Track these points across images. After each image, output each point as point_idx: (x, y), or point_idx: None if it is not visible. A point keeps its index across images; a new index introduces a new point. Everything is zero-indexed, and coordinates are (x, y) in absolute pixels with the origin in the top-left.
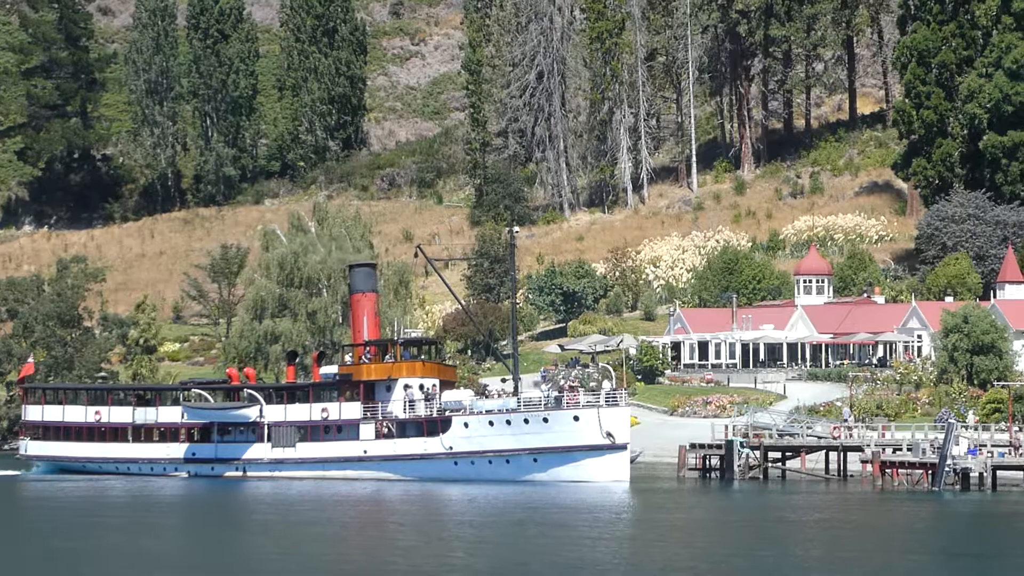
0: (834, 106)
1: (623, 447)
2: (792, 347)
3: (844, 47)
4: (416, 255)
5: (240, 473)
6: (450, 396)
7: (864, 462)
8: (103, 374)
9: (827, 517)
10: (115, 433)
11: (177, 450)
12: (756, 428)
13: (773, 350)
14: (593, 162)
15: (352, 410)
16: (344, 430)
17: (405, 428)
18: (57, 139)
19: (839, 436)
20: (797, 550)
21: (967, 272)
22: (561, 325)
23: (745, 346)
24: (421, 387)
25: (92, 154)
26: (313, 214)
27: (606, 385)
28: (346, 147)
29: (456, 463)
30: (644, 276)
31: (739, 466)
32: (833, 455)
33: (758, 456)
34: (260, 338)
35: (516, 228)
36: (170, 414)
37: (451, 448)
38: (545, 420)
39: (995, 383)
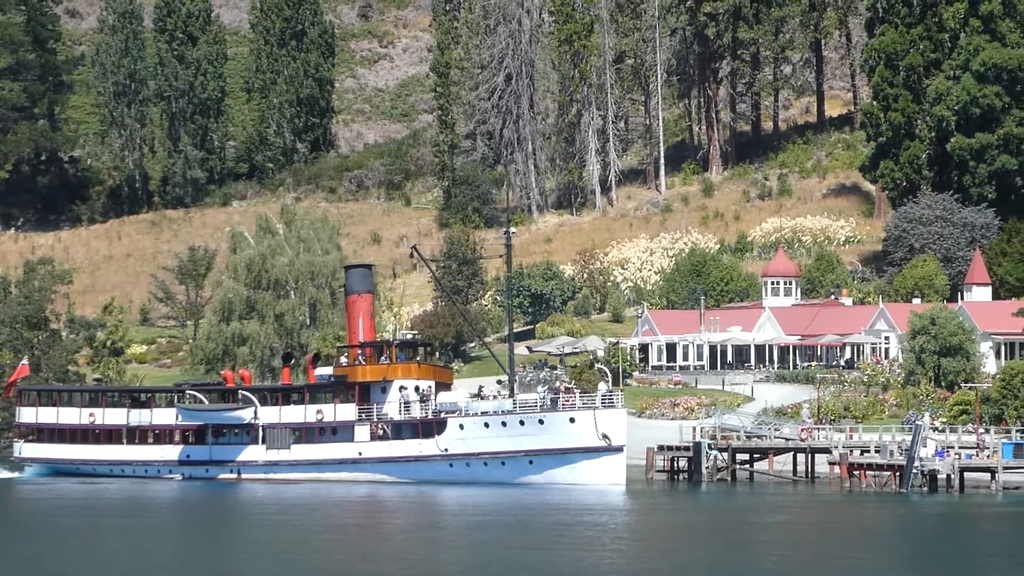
0: (802, 108)
1: (619, 449)
2: (760, 349)
3: (812, 50)
4: (411, 255)
5: (235, 475)
6: (445, 398)
7: (832, 464)
8: (97, 376)
9: (793, 519)
10: (109, 435)
11: (172, 452)
12: (724, 430)
13: (741, 352)
14: (561, 164)
15: (347, 412)
16: (339, 432)
17: (400, 430)
18: (24, 141)
19: (807, 438)
20: (762, 553)
21: (934, 274)
22: (529, 327)
23: (713, 348)
24: (417, 388)
25: (59, 156)
26: (281, 216)
27: (602, 387)
28: (314, 149)
29: (451, 465)
30: (612, 278)
31: (707, 468)
32: (801, 457)
33: (726, 458)
34: (228, 340)
35: (512, 228)
36: (164, 416)
37: (446, 450)
38: (541, 422)
39: (962, 385)
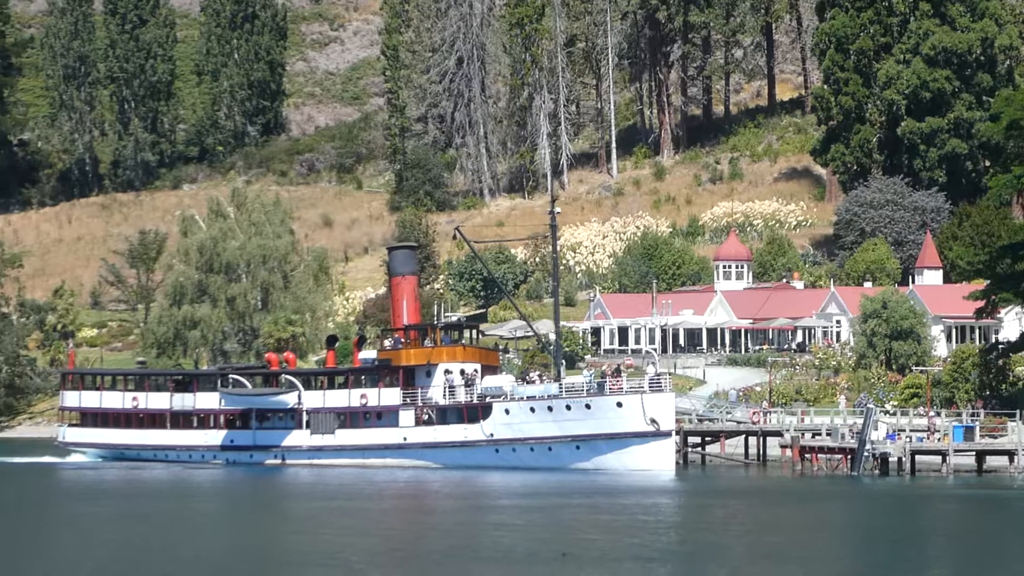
0: (753, 92)
1: (667, 434)
2: (712, 332)
3: (763, 33)
4: (455, 236)
5: (279, 461)
6: (491, 381)
7: (783, 447)
8: (141, 359)
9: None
10: (153, 419)
11: (215, 437)
12: (676, 413)
13: (693, 335)
14: (513, 148)
15: (391, 396)
16: (383, 416)
17: (445, 414)
18: None
19: (758, 421)
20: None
21: (886, 258)
22: (481, 311)
23: (665, 331)
24: (462, 372)
25: (9, 139)
26: (232, 199)
27: (650, 370)
28: (265, 132)
29: (497, 450)
30: (564, 262)
31: None
32: (753, 440)
33: (678, 441)
34: (179, 324)
35: (558, 209)
36: (208, 400)
37: (492, 435)
38: (587, 406)
39: (913, 368)
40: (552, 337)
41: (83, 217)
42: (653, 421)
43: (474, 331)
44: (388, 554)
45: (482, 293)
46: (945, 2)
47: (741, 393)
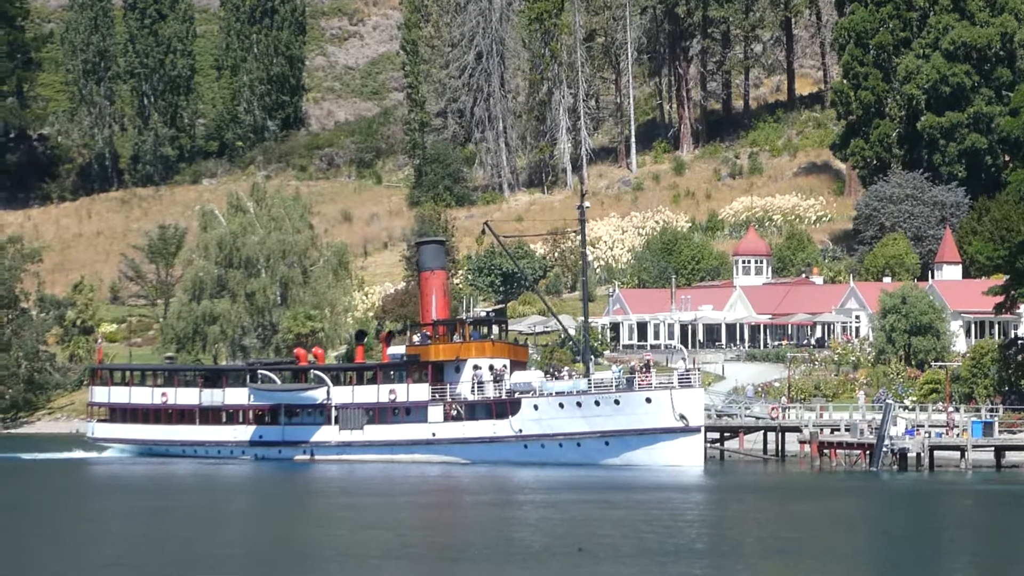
0: (772, 87)
1: (697, 430)
2: (731, 328)
3: (782, 28)
4: (484, 231)
5: (308, 456)
6: (519, 377)
7: (802, 443)
8: (170, 355)
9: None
10: (182, 415)
11: (244, 432)
12: None
13: (712, 331)
14: (532, 143)
15: (420, 392)
16: (412, 412)
17: (474, 410)
18: None
19: (777, 416)
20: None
21: (905, 253)
22: (500, 306)
23: (684, 327)
24: (491, 368)
25: (28, 134)
26: (251, 194)
27: (680, 365)
28: (285, 127)
29: (526, 446)
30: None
31: None
32: (772, 435)
33: None
34: (198, 319)
35: (587, 204)
36: (237, 396)
37: (520, 431)
38: (616, 402)
39: (932, 364)
40: (572, 333)
41: (103, 212)
42: (682, 417)
43: (503, 326)
44: (399, 550)
45: (501, 288)
46: None
47: (759, 389)
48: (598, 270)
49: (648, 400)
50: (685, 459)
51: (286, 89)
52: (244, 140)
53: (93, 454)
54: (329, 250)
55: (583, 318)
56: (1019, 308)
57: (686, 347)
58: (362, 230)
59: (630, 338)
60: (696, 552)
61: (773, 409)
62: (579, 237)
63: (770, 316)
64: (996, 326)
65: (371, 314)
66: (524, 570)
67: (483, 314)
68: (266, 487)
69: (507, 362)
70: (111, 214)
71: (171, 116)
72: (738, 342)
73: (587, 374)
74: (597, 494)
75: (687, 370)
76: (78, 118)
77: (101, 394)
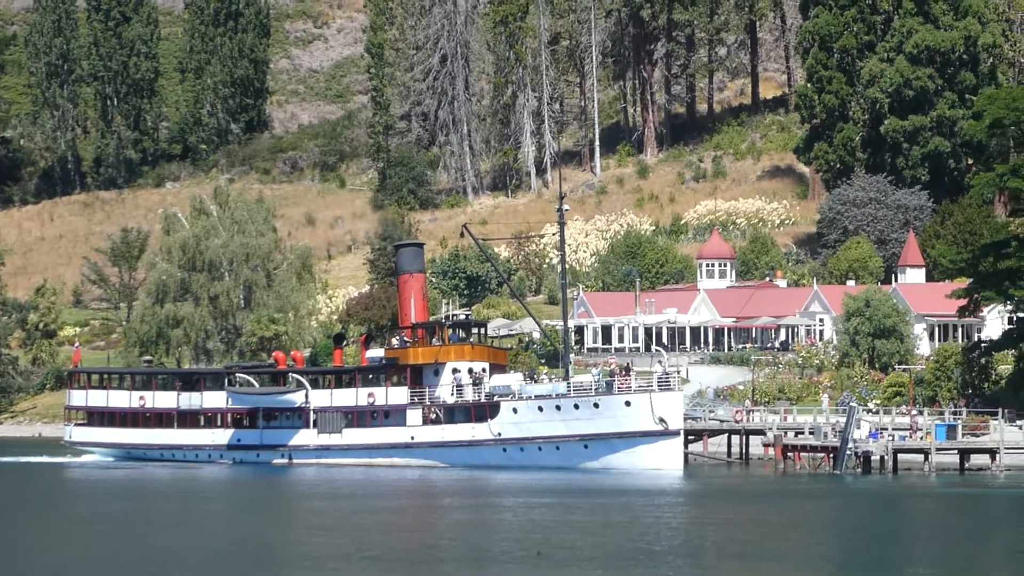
0: (737, 90)
1: (676, 433)
2: (695, 331)
3: (747, 31)
4: (462, 235)
5: (286, 460)
6: (498, 380)
7: (766, 445)
8: (148, 358)
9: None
10: (160, 418)
11: (222, 436)
12: None
13: (676, 334)
14: (496, 146)
15: (399, 395)
16: (391, 416)
17: (453, 414)
18: None
19: (741, 420)
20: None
21: (868, 256)
22: (467, 310)
23: (648, 330)
24: (470, 371)
25: None
26: (215, 197)
27: (658, 368)
28: (248, 130)
29: (505, 450)
30: (547, 260)
31: None
32: (736, 438)
33: None
34: (161, 322)
35: (566, 207)
36: (215, 399)
37: (499, 434)
38: (596, 405)
39: (896, 367)
40: (536, 336)
41: (65, 215)
42: (662, 420)
43: (482, 329)
44: (356, 554)
45: (466, 291)
46: (928, 0)
47: (720, 392)
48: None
49: (627, 403)
50: (664, 462)
51: (250, 92)
52: (208, 143)
53: (69, 458)
54: (293, 253)
55: (546, 321)
56: (982, 311)
57: (649, 350)
58: (326, 233)
59: (594, 341)
60: (654, 556)
61: (737, 412)
62: (543, 240)
63: (734, 319)
64: (959, 329)
65: (335, 317)
66: (483, 573)
67: (462, 317)
68: (238, 491)
69: (486, 365)
70: (74, 217)
71: (134, 119)
72: (702, 345)
73: (566, 377)
74: (561, 498)
75: (665, 373)
76: (41, 121)
77: (78, 398)
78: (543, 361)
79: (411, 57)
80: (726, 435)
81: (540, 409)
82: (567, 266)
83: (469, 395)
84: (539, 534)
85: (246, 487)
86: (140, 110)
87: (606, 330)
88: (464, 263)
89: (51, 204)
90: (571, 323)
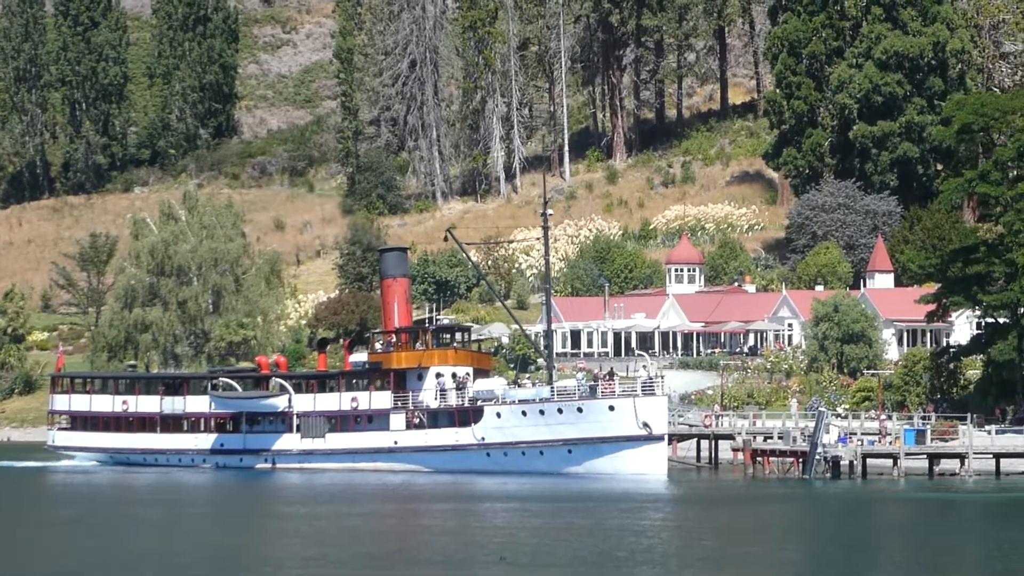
0: (706, 96)
1: (660, 438)
2: (664, 335)
3: (716, 37)
4: (446, 239)
5: (269, 465)
6: (482, 385)
7: (735, 450)
8: (132, 363)
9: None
10: (143, 423)
11: (205, 441)
12: None
13: (645, 338)
14: (466, 151)
15: (382, 399)
16: (374, 420)
17: (436, 418)
18: None
19: (710, 425)
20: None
21: (837, 261)
22: (434, 315)
23: (617, 334)
24: (454, 375)
25: None
26: (183, 202)
27: (642, 372)
28: (217, 135)
29: (488, 455)
30: (517, 265)
31: None
32: (705, 443)
33: None
34: (130, 327)
35: (550, 211)
36: (198, 403)
37: (483, 439)
38: (580, 410)
39: (865, 371)
40: (505, 341)
41: (34, 220)
42: (646, 425)
43: (466, 334)
44: (320, 559)
45: (435, 296)
46: (897, 6)
47: (686, 397)
48: (531, 278)
49: (611, 408)
50: (648, 467)
51: (219, 97)
52: (176, 148)
53: (52, 462)
54: (261, 258)
55: (514, 325)
56: (950, 316)
57: (618, 355)
58: (295, 238)
59: (563, 346)
60: (617, 560)
61: (707, 417)
62: (512, 246)
63: (703, 324)
64: (928, 334)
65: (304, 322)
66: None
67: (446, 321)
68: (216, 496)
69: (470, 370)
70: (42, 222)
71: (103, 124)
72: (671, 350)
73: (550, 381)
74: (526, 503)
75: (650, 378)
76: (9, 126)
77: (62, 402)
78: (512, 366)
79: (380, 62)
80: (695, 440)
81: (524, 414)
82: (538, 271)
83: (453, 400)
84: (504, 539)
85: (227, 492)
86: (109, 115)
87: (575, 335)
88: (433, 268)
89: (19, 209)
90: (540, 327)
